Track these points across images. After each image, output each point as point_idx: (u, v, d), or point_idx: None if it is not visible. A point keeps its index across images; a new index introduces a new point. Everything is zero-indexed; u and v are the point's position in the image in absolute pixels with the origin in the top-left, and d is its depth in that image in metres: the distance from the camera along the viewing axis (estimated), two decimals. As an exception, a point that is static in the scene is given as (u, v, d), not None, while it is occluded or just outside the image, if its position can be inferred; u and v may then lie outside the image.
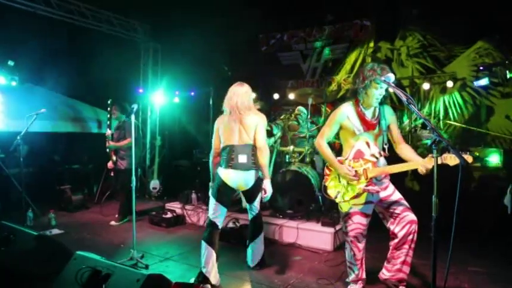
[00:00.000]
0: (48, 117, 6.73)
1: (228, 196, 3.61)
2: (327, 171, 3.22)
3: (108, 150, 5.57)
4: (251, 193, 3.67)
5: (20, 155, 5.29)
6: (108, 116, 5.69)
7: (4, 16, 6.28)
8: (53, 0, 6.64)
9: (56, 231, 5.13)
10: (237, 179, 3.51)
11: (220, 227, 3.58)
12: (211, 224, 3.53)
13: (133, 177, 3.93)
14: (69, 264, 2.90)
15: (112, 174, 5.67)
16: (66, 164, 7.51)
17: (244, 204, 4.71)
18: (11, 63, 6.25)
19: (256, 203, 3.75)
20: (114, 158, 5.56)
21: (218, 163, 3.62)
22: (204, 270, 3.44)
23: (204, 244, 3.48)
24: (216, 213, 3.53)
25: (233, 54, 7.76)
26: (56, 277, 2.88)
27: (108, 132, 5.55)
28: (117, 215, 5.64)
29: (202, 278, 3.42)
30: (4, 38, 6.33)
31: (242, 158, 3.49)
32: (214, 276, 3.47)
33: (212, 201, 3.55)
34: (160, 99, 8.06)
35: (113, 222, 5.54)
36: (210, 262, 3.45)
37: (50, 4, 6.61)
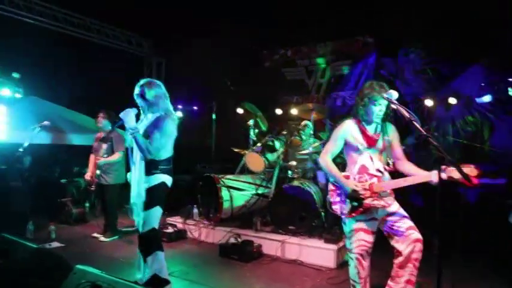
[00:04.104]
0: (51, 129, 6.74)
1: None
2: (331, 186, 3.18)
3: (98, 165, 5.23)
4: None
5: (22, 167, 5.26)
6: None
7: (12, 29, 6.37)
8: (59, 15, 6.75)
9: (56, 244, 5.08)
10: None
11: None
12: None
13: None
14: (69, 279, 2.86)
15: (92, 188, 5.32)
16: (68, 177, 7.49)
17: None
18: (16, 75, 6.29)
19: None
20: (97, 171, 5.24)
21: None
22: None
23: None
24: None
25: (236, 69, 7.81)
26: (55, 291, 2.84)
27: (104, 146, 5.23)
28: (106, 231, 5.48)
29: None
30: (10, 51, 6.41)
31: None
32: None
33: (160, 211, 3.42)
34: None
35: (102, 238, 5.39)
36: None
37: (57, 19, 6.71)
